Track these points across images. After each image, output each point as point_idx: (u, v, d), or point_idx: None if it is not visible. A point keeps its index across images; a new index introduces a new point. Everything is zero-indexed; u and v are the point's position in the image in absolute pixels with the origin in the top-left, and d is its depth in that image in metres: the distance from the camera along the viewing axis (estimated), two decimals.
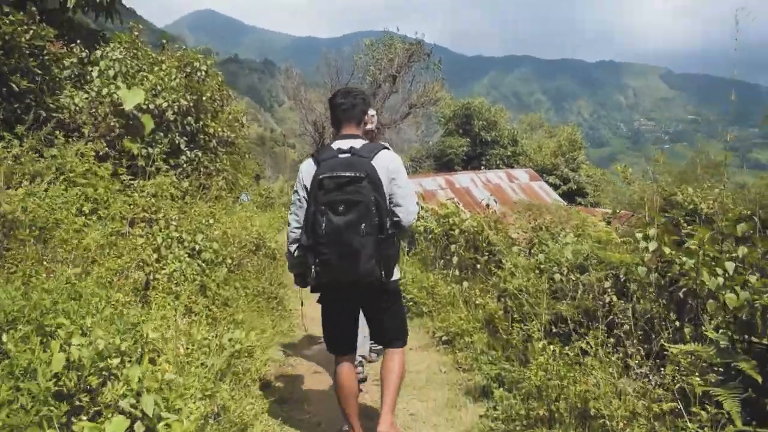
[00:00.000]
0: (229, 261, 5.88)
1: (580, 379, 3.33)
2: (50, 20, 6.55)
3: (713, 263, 3.39)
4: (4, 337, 2.44)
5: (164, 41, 8.96)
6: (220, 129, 8.53)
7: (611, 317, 3.69)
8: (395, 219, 3.13)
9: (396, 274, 3.32)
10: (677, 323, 3.42)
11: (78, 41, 6.82)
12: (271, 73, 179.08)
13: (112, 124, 6.30)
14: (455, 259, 6.70)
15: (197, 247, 5.42)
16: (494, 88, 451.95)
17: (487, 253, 6.28)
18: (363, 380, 4.67)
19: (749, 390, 2.73)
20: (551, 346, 3.73)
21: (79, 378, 2.46)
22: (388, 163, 3.17)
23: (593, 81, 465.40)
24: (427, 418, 4.13)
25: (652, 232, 3.64)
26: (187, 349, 3.76)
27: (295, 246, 3.26)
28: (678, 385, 2.91)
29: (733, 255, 3.37)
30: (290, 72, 28.22)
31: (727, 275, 3.24)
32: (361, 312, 3.47)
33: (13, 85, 5.43)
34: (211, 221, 6.17)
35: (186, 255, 5.20)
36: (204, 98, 8.09)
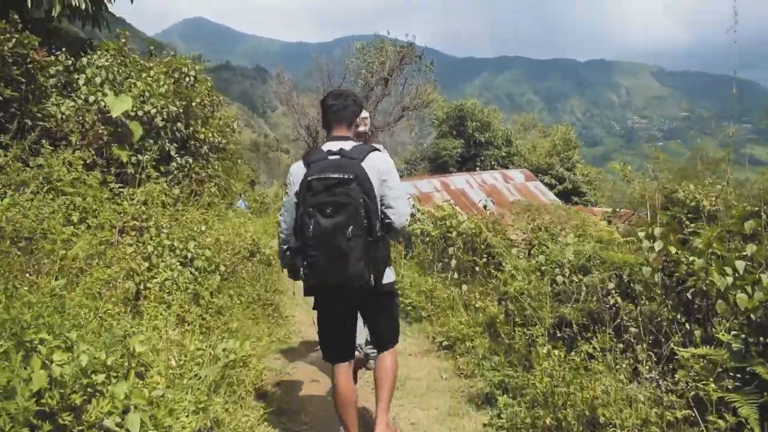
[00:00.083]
0: (223, 268, 5.76)
1: (588, 385, 3.20)
2: (36, 29, 6.42)
3: (721, 262, 3.28)
4: None
5: (152, 48, 8.83)
6: (210, 135, 8.40)
7: (618, 320, 3.57)
8: (387, 221, 3.10)
9: (391, 277, 3.31)
10: (687, 326, 3.30)
11: (63, 49, 6.68)
12: (263, 79, 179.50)
13: (100, 131, 6.17)
14: (453, 262, 6.60)
15: (189, 255, 5.31)
16: (486, 90, 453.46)
17: (485, 256, 6.18)
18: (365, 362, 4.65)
19: (766, 395, 2.61)
20: (556, 351, 3.61)
21: (61, 396, 2.33)
22: (378, 165, 3.11)
23: (585, 80, 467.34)
24: (429, 427, 4.01)
25: (657, 230, 3.52)
26: (180, 360, 3.65)
27: (285, 247, 3.32)
28: (693, 392, 2.78)
29: (743, 253, 3.25)
30: (282, 77, 28.20)
31: (737, 274, 3.13)
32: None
33: None
34: (204, 228, 6.05)
35: (178, 263, 5.10)
36: (194, 104, 7.96)
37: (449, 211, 7.57)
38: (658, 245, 3.52)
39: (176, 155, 7.67)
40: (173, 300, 4.60)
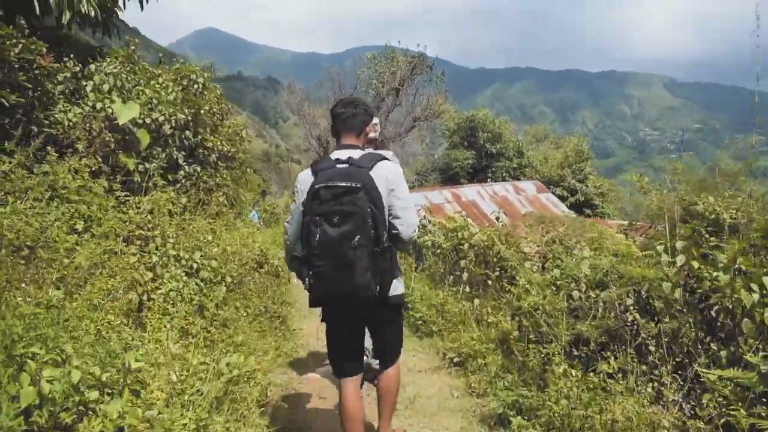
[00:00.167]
0: (229, 279, 5.65)
1: (608, 407, 3.04)
2: (47, 36, 6.38)
3: (747, 278, 3.11)
4: None
5: (161, 55, 8.78)
6: (219, 143, 8.32)
7: (639, 340, 3.40)
8: (394, 231, 3.06)
9: (399, 289, 3.27)
10: (712, 345, 3.13)
11: (72, 55, 6.62)
12: (275, 89, 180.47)
13: (106, 139, 6.09)
14: (465, 275, 6.45)
15: (195, 266, 5.20)
16: (498, 101, 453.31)
17: (498, 269, 6.02)
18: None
19: None
20: (573, 371, 3.44)
21: (51, 414, 2.21)
22: (387, 174, 3.07)
23: (597, 91, 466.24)
24: None
25: (679, 244, 3.36)
26: (182, 375, 3.53)
27: (290, 256, 3.30)
28: (723, 419, 2.60)
29: None
30: (293, 87, 28.26)
31: (765, 291, 2.97)
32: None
33: (3, 101, 5.24)
34: (210, 238, 5.94)
35: (183, 274, 4.99)
36: (202, 112, 7.88)
37: (461, 223, 7.42)
38: (680, 260, 3.36)
39: (184, 163, 7.59)
40: (177, 312, 4.48)
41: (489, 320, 5.31)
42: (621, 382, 3.18)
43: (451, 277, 7.09)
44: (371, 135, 4.12)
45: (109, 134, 6.16)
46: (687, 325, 3.35)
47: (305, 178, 3.12)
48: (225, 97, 9.46)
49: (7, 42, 5.30)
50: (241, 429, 3.54)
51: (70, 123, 6.00)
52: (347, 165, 3.00)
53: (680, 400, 2.95)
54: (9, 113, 5.40)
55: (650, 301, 3.74)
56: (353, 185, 2.86)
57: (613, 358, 3.42)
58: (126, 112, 6.21)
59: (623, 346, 3.42)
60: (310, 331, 6.80)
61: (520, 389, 4.10)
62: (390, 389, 3.43)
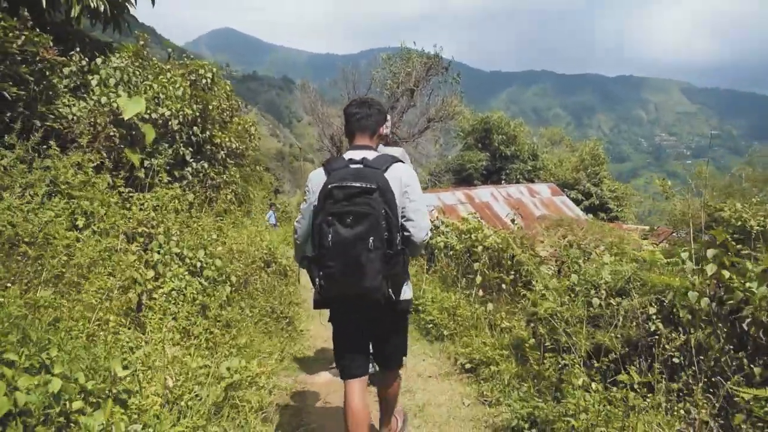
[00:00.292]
0: (234, 279, 5.48)
1: (629, 424, 2.82)
2: (56, 31, 6.26)
3: None
4: None
5: (170, 50, 8.66)
6: (228, 139, 8.17)
7: (666, 354, 3.16)
8: (406, 234, 2.97)
9: (408, 294, 3.18)
10: (745, 361, 2.90)
11: (78, 49, 6.49)
12: (289, 89, 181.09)
13: (111, 133, 5.95)
14: (479, 278, 6.24)
15: (199, 264, 5.05)
16: (513, 103, 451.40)
17: (513, 272, 5.81)
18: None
19: None
20: (593, 383, 3.22)
21: (26, 427, 2.03)
22: (401, 175, 3.01)
23: (613, 96, 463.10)
24: None
25: (710, 252, 3.13)
26: (179, 379, 3.37)
27: (301, 256, 3.23)
28: None
29: None
30: (307, 87, 28.16)
31: None
32: None
33: (4, 93, 5.10)
34: (215, 236, 5.77)
35: (186, 272, 4.83)
36: (211, 107, 7.73)
37: (475, 225, 7.21)
38: (711, 269, 3.13)
39: (191, 160, 7.46)
40: (179, 312, 4.32)
41: (503, 326, 5.13)
42: (647, 397, 2.95)
43: (464, 279, 6.89)
44: (383, 131, 3.95)
45: (114, 129, 6.03)
46: (715, 337, 3.12)
47: (317, 178, 3.06)
48: (237, 95, 9.33)
49: (9, 34, 5.17)
50: None
51: (75, 117, 5.87)
52: (361, 165, 2.94)
53: (709, 420, 2.72)
54: (10, 106, 5.27)
55: (674, 310, 3.52)
56: (368, 186, 2.80)
57: (634, 370, 3.20)
58: (131, 107, 6.07)
59: (648, 359, 3.20)
60: (318, 332, 6.61)
61: (535, 400, 3.87)
62: (391, 394, 3.45)
